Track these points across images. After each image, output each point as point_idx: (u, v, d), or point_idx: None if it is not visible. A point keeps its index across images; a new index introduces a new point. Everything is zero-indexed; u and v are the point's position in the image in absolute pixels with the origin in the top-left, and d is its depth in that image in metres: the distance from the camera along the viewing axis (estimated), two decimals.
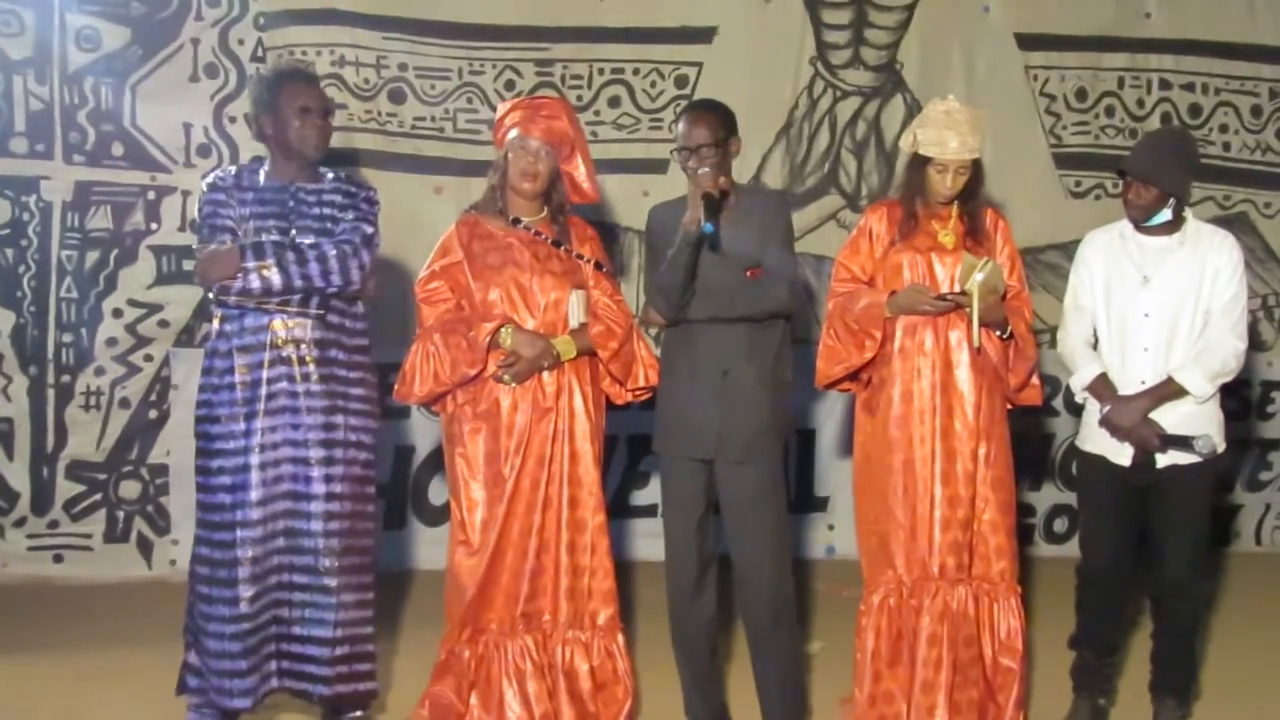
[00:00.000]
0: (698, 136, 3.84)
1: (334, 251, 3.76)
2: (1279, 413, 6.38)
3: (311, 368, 3.78)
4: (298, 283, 3.72)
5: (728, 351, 3.85)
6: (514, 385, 3.82)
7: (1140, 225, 4.03)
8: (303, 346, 3.77)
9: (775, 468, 3.95)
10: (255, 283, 3.69)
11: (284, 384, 3.75)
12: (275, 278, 3.69)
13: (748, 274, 3.83)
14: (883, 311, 3.89)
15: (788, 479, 4.21)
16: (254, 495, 3.73)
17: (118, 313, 5.54)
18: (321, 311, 3.79)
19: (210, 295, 3.81)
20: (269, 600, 3.77)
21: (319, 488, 3.78)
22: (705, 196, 3.70)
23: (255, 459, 3.73)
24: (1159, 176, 3.95)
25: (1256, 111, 6.37)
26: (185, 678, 3.89)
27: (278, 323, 3.75)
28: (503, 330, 3.79)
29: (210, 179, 3.85)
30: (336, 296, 3.80)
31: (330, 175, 3.92)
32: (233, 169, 3.94)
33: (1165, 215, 4.00)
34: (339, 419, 3.81)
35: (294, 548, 3.78)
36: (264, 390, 3.74)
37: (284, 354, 3.76)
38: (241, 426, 3.74)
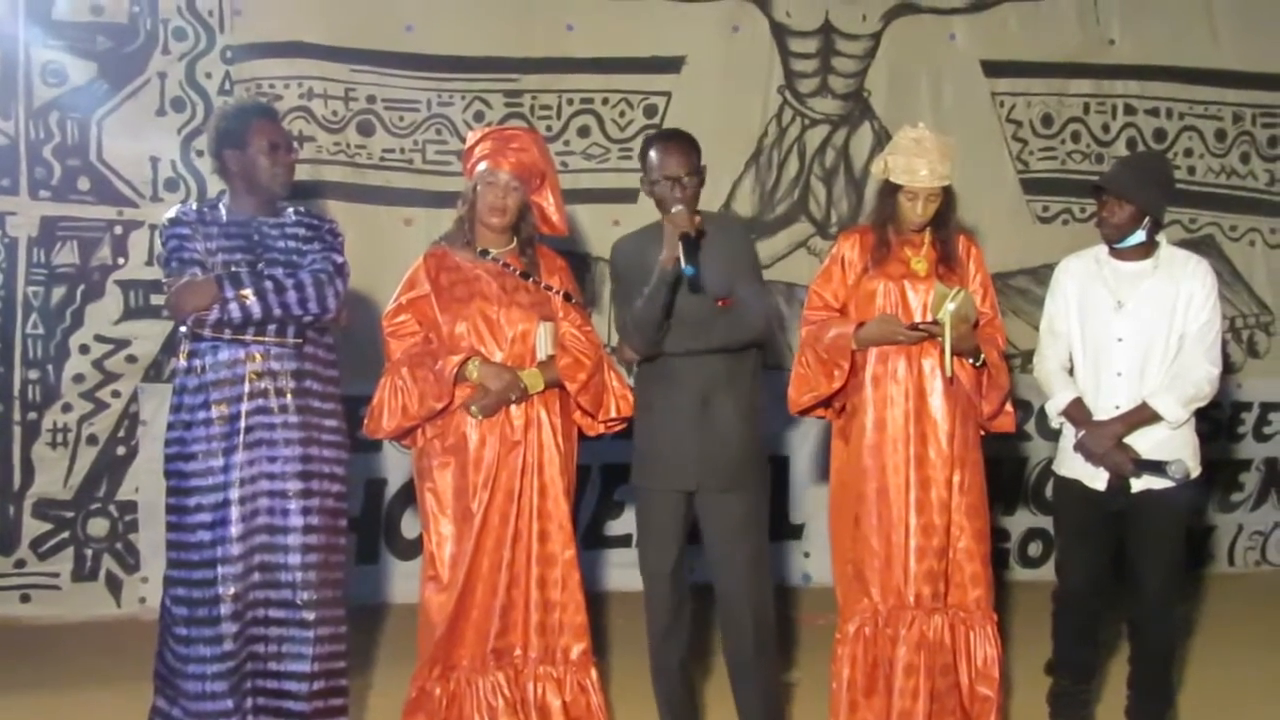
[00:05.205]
0: (677, 166, 3.78)
1: (310, 280, 3.73)
2: (1249, 434, 6.42)
3: (289, 399, 3.73)
4: (276, 311, 3.68)
5: (706, 382, 3.80)
6: (481, 419, 3.79)
7: (1114, 247, 4.03)
8: (280, 378, 3.73)
9: (759, 496, 3.91)
10: (235, 311, 3.64)
11: (261, 417, 3.70)
12: (255, 306, 3.65)
13: (719, 304, 3.79)
14: (850, 343, 3.89)
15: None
16: (234, 531, 3.67)
17: (85, 349, 5.48)
18: (300, 341, 3.75)
19: (184, 327, 3.75)
20: (247, 636, 3.72)
21: (296, 520, 3.72)
22: (683, 237, 3.65)
23: (235, 494, 3.67)
24: (1134, 193, 3.95)
25: (1220, 135, 6.42)
26: None
27: (257, 354, 3.71)
28: (469, 363, 3.76)
29: (172, 214, 3.80)
30: (312, 325, 3.77)
31: (290, 210, 3.89)
32: (193, 205, 3.91)
33: (1139, 237, 4.00)
34: (314, 450, 3.76)
35: (270, 582, 3.72)
36: (242, 424, 3.69)
37: (261, 387, 3.70)
38: (220, 462, 3.68)
